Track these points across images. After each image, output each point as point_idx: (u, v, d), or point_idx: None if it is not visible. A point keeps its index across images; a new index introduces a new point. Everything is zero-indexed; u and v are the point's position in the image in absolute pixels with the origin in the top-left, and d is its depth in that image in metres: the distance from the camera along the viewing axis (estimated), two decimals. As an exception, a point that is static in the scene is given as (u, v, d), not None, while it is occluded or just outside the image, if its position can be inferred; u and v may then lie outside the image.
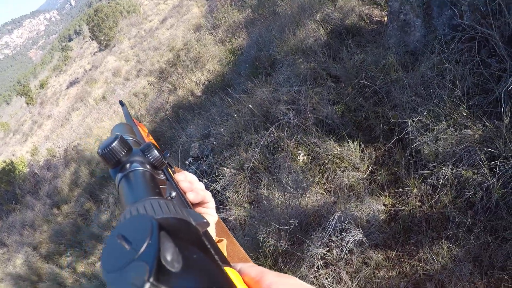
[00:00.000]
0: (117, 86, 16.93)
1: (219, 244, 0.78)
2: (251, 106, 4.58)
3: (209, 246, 0.43)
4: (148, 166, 0.70)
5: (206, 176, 4.68)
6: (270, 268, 3.18)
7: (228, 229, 3.24)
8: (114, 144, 0.67)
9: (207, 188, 4.89)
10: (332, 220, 3.05)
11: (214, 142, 5.24)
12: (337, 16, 5.85)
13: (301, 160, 3.99)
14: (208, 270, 0.39)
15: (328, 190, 3.73)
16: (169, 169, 0.82)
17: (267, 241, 3.25)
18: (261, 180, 4.09)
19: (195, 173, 5.17)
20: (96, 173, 11.40)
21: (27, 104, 39.94)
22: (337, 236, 3.06)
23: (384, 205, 3.41)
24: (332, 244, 3.08)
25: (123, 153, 0.69)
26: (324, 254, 3.08)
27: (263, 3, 8.81)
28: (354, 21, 5.65)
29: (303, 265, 3.08)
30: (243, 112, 4.99)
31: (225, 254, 0.78)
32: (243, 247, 2.68)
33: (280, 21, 6.92)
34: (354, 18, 5.68)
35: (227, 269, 0.43)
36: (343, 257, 3.04)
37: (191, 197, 0.76)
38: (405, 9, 4.42)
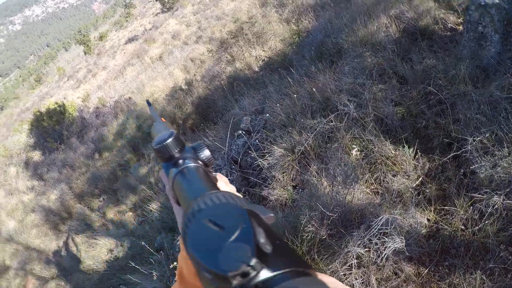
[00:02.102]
0: (175, 48, 17.03)
1: None
2: (314, 90, 4.54)
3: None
4: (200, 163, 0.74)
5: (255, 150, 4.69)
6: (303, 255, 3.17)
7: (267, 208, 3.27)
8: (169, 140, 0.73)
9: (253, 163, 4.91)
10: (379, 221, 3.00)
11: (268, 119, 5.23)
12: (411, 15, 5.68)
13: (353, 155, 3.93)
14: (291, 252, 0.42)
15: (374, 191, 3.64)
16: None
17: (308, 226, 3.23)
18: (310, 166, 4.05)
19: (242, 146, 5.20)
20: (142, 128, 11.57)
21: (85, 53, 41.04)
22: (379, 239, 3.00)
23: (428, 219, 3.30)
24: (372, 246, 3.03)
25: (177, 150, 0.74)
26: (361, 254, 3.00)
27: (337, -11, 8.70)
28: (428, 24, 5.47)
29: (337, 260, 3.02)
30: (302, 95, 4.94)
31: None
32: (280, 228, 2.68)
33: (352, 10, 6.78)
34: (429, 20, 5.50)
35: None
36: (377, 262, 2.99)
37: None
38: (484, 21, 4.22)
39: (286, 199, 4.07)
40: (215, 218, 0.42)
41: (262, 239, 0.39)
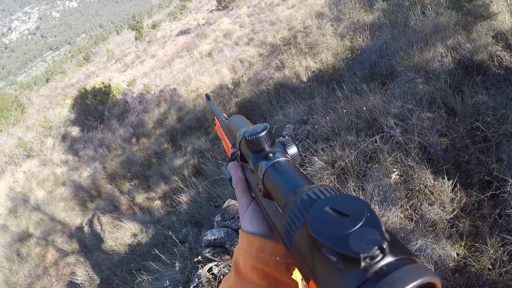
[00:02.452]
0: (226, 47, 17.20)
1: None
2: (364, 109, 4.56)
3: None
4: (289, 158, 0.75)
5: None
6: None
7: None
8: (263, 133, 0.75)
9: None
10: (413, 246, 3.00)
11: (311, 130, 5.27)
12: (468, 47, 5.65)
13: (393, 179, 3.94)
14: (404, 245, 0.44)
15: (409, 217, 3.63)
16: None
17: None
18: (347, 182, 4.08)
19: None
20: (183, 120, 11.70)
21: (136, 39, 41.86)
22: None
23: (457, 253, 3.28)
24: None
25: (269, 143, 0.76)
26: None
27: (395, 12, 8.66)
28: (484, 59, 5.42)
29: None
30: (349, 111, 4.97)
31: None
32: None
33: (409, 34, 6.76)
34: (485, 56, 5.45)
35: None
36: None
37: None
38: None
39: None
40: (337, 207, 0.44)
41: (383, 227, 0.42)
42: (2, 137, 22.18)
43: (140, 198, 9.72)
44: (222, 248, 4.50)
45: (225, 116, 1.21)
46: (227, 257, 4.31)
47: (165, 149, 10.98)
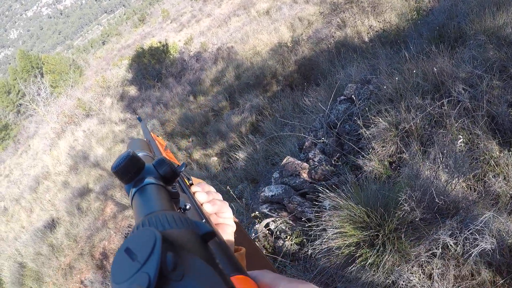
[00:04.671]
0: (284, 5, 16.91)
1: (237, 253, 0.82)
2: (435, 69, 4.43)
3: (214, 256, 0.45)
4: (160, 181, 0.73)
5: (358, 119, 4.71)
6: (390, 232, 3.19)
7: (358, 179, 3.26)
8: (126, 161, 0.71)
9: (352, 131, 4.94)
10: (480, 217, 2.94)
11: (375, 90, 5.20)
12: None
13: (458, 145, 3.84)
14: (209, 279, 0.40)
15: (471, 187, 3.55)
16: (186, 181, 0.87)
17: (404, 205, 3.22)
18: (410, 146, 4.03)
19: (344, 112, 5.22)
20: (241, 77, 11.74)
21: None
22: (472, 234, 2.94)
23: None
24: (461, 240, 2.95)
25: (135, 170, 0.72)
26: (449, 244, 2.94)
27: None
28: None
29: (422, 244, 3.01)
30: (414, 73, 4.86)
31: (244, 262, 0.82)
32: (372, 199, 2.71)
33: (482, -4, 6.46)
34: None
35: (239, 277, 0.46)
36: (457, 258, 2.92)
37: (208, 208, 0.80)
38: None
39: (381, 173, 4.07)
40: (132, 247, 0.40)
41: (170, 266, 0.38)
42: (62, 99, 23.03)
43: (197, 154, 9.97)
44: (280, 205, 4.53)
45: (153, 136, 1.20)
46: (284, 213, 4.34)
47: (223, 107, 11.07)
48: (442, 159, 3.58)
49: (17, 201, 16.64)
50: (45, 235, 11.36)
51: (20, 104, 39.95)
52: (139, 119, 1.42)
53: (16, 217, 15.55)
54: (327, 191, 3.54)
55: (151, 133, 1.25)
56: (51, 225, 11.85)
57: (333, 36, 9.91)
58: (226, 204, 0.83)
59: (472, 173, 3.52)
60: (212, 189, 0.86)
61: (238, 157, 7.85)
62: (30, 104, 22.62)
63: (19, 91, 40.50)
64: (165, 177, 0.74)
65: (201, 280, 0.39)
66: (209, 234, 0.46)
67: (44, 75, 32.44)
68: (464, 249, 2.93)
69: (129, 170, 0.71)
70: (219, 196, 0.85)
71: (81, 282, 9.72)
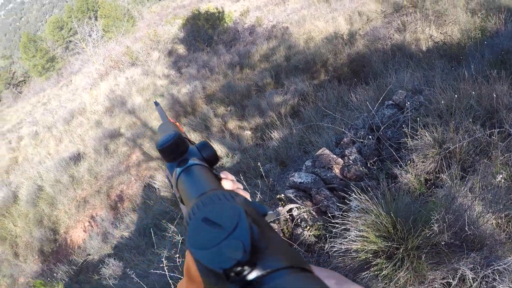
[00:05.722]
0: (345, -4, 16.75)
1: None
2: (495, 96, 4.34)
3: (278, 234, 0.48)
4: (204, 163, 0.77)
5: (401, 127, 4.67)
6: (411, 249, 3.13)
7: (391, 188, 3.22)
8: (173, 140, 0.76)
9: (393, 138, 4.90)
10: (505, 260, 2.88)
11: (424, 102, 5.14)
12: None
13: (498, 180, 3.75)
14: (287, 249, 0.44)
15: (500, 226, 3.46)
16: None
17: (433, 225, 3.17)
18: (450, 168, 3.97)
19: (389, 118, 5.18)
20: (291, 59, 11.68)
21: None
22: (493, 274, 2.88)
23: None
24: (481, 278, 2.84)
25: (181, 150, 0.77)
26: (467, 277, 2.86)
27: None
28: None
29: (439, 270, 2.94)
30: (470, 94, 4.77)
31: None
32: (402, 211, 2.66)
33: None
34: None
35: None
36: None
37: None
38: None
39: (415, 188, 4.03)
40: (212, 217, 0.44)
41: (256, 236, 0.41)
42: (111, 44, 23.36)
43: (232, 124, 10.03)
44: (306, 193, 4.54)
45: (170, 120, 1.20)
46: (309, 203, 4.33)
47: (267, 84, 11.06)
48: (480, 190, 3.52)
49: (49, 129, 17.21)
50: (68, 165, 11.75)
51: (69, 41, 40.86)
52: (156, 103, 1.44)
53: (44, 143, 16.15)
54: (359, 192, 3.52)
55: (169, 118, 1.27)
56: (76, 158, 12.25)
57: (390, 38, 9.76)
58: (248, 194, 0.85)
59: (505, 212, 3.44)
60: (233, 178, 0.87)
61: (272, 136, 7.85)
62: (80, 42, 23.04)
63: (71, 29, 41.39)
64: (208, 160, 0.79)
65: (284, 251, 0.43)
66: (269, 215, 0.51)
67: (98, 19, 32.95)
68: (480, 286, 2.88)
69: (175, 150, 0.76)
70: (241, 186, 0.86)
71: (92, 217, 10.05)
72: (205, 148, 0.80)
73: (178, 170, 0.73)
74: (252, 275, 0.38)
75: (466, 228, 3.10)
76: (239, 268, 0.38)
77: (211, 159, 0.79)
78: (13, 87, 40.82)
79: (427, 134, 4.25)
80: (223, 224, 0.42)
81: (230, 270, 0.38)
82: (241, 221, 0.42)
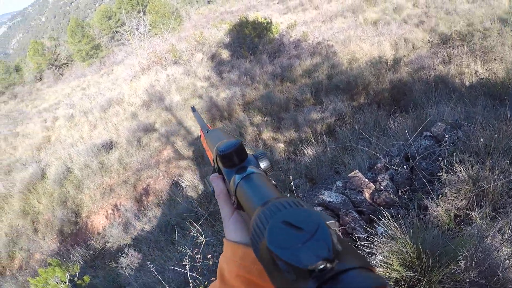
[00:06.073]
0: (393, 22, 16.63)
1: None
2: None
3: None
4: (261, 171, 0.79)
5: (436, 160, 4.68)
6: (433, 283, 3.06)
7: (420, 218, 3.18)
8: (236, 147, 0.80)
9: (427, 169, 4.89)
10: None
11: (462, 138, 5.13)
12: None
13: None
14: (357, 252, 0.47)
15: None
16: None
17: (460, 261, 3.14)
18: (481, 207, 3.96)
19: (425, 149, 5.18)
20: (332, 78, 11.71)
21: None
22: None
23: None
24: None
25: (241, 158, 0.81)
26: None
27: None
28: None
29: None
30: (508, 135, 4.76)
31: None
32: (430, 243, 2.65)
33: None
34: None
35: None
36: None
37: None
38: None
39: (444, 222, 4.03)
40: (292, 220, 0.48)
41: (334, 239, 0.45)
42: (156, 40, 23.80)
43: (266, 135, 10.07)
44: (333, 213, 4.56)
45: (210, 128, 1.22)
46: (336, 223, 4.38)
47: (306, 99, 11.08)
48: (510, 233, 3.51)
49: (85, 114, 17.46)
50: (99, 152, 11.88)
51: (116, 32, 41.84)
52: (193, 109, 1.47)
53: (79, 127, 16.39)
54: (388, 218, 3.56)
55: (208, 125, 1.29)
56: (108, 146, 12.37)
57: (435, 69, 9.72)
58: (307, 203, 0.89)
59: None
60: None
61: (305, 152, 7.86)
62: (127, 34, 23.50)
63: (119, 19, 42.31)
64: (264, 169, 0.82)
65: (355, 253, 0.47)
66: (333, 224, 0.52)
67: (146, 13, 33.63)
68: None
69: (235, 157, 0.80)
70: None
71: (115, 206, 10.15)
72: (262, 157, 0.83)
73: (237, 176, 0.76)
74: (332, 272, 0.42)
75: (496, 269, 3.10)
76: (322, 266, 0.42)
77: (267, 169, 0.82)
78: (56, 68, 41.70)
79: (462, 170, 4.24)
80: (304, 227, 0.46)
81: (315, 267, 0.42)
82: (321, 225, 0.46)
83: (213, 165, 1.00)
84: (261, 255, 0.50)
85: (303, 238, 0.45)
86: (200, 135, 1.33)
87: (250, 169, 0.77)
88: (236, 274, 0.71)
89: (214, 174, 0.92)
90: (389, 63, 10.97)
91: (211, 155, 1.09)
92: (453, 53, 10.18)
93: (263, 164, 0.82)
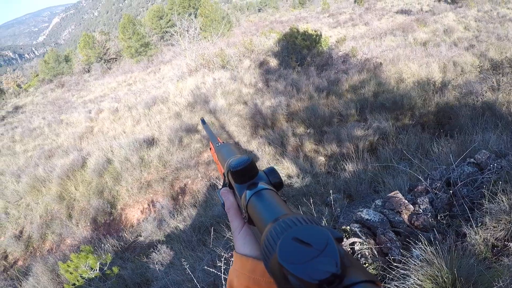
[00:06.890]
0: (443, 44, 16.50)
1: None
2: None
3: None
4: (272, 187, 0.81)
5: (479, 188, 4.69)
6: None
7: (457, 245, 3.19)
8: (247, 164, 0.83)
9: (469, 195, 4.90)
10: None
11: (506, 167, 5.10)
12: None
13: None
14: (363, 267, 0.50)
15: None
16: None
17: None
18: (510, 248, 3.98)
19: (467, 175, 5.11)
20: (379, 96, 11.71)
21: (355, 1, 43.26)
22: None
23: None
24: None
25: (251, 174, 0.83)
26: None
27: None
28: None
29: None
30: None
31: None
32: (466, 270, 2.72)
33: None
34: None
35: None
36: None
37: None
38: None
39: (481, 251, 4.07)
40: (302, 237, 0.50)
41: (343, 255, 0.48)
42: (206, 43, 24.24)
43: (308, 147, 10.11)
44: (370, 231, 4.60)
45: (220, 141, 1.25)
46: (372, 241, 4.34)
47: (350, 115, 11.11)
48: None
49: (129, 109, 17.75)
50: (141, 147, 12.01)
51: (166, 32, 42.93)
52: (203, 121, 1.51)
53: (122, 121, 16.64)
54: (426, 242, 3.59)
55: (218, 138, 1.33)
56: (150, 142, 12.50)
57: (483, 95, 9.63)
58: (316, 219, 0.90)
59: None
60: None
61: (346, 168, 7.87)
62: (177, 35, 23.98)
63: (169, 20, 43.40)
64: (274, 185, 0.83)
65: (362, 269, 0.50)
66: (341, 239, 0.54)
67: (197, 17, 34.26)
68: None
69: (247, 173, 0.83)
70: None
71: (151, 201, 10.24)
72: (272, 173, 0.86)
73: (248, 192, 0.78)
74: (340, 286, 0.45)
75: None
76: (330, 279, 0.45)
77: (277, 185, 0.84)
78: (104, 62, 42.82)
79: (504, 200, 4.26)
80: (313, 243, 0.49)
81: (324, 281, 0.45)
82: (330, 242, 0.49)
83: (223, 179, 1.04)
84: (272, 269, 0.52)
85: (312, 254, 0.48)
86: (210, 148, 1.36)
87: (261, 185, 0.80)
88: (245, 286, 0.73)
89: (225, 188, 0.95)
90: (436, 86, 10.92)
91: (221, 168, 1.12)
92: (503, 80, 10.05)
93: (272, 180, 0.84)
